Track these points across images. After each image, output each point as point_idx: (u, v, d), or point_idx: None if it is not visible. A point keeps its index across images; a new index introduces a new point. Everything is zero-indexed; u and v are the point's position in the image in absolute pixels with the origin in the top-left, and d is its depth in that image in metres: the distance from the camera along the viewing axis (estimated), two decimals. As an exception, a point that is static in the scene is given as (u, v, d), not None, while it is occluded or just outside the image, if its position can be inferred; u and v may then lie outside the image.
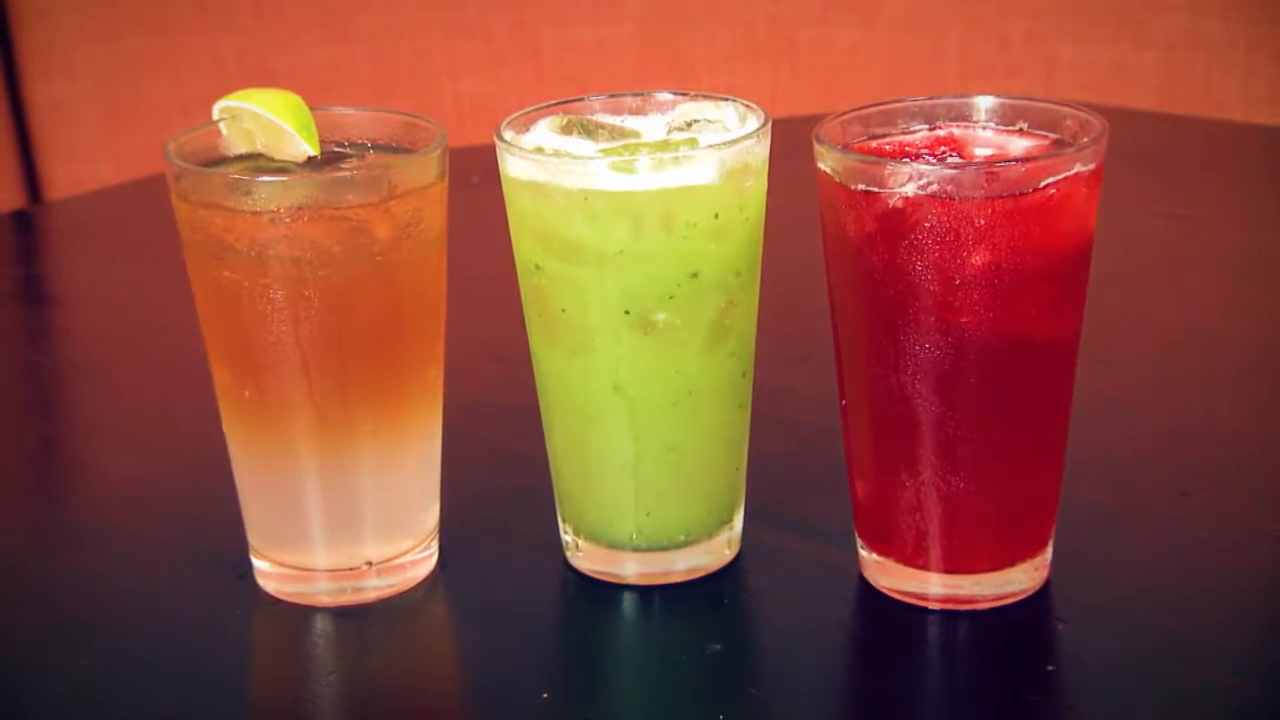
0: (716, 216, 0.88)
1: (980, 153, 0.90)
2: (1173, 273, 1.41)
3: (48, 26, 2.26)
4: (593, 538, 0.95)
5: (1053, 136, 0.89)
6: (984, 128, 0.91)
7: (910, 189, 0.83)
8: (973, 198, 0.82)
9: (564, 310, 0.90)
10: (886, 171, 0.83)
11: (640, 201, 0.86)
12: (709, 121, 0.92)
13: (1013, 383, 0.86)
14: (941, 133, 0.91)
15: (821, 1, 2.40)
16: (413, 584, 0.95)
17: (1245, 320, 1.29)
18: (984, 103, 0.92)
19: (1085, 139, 0.87)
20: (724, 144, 0.88)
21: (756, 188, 0.90)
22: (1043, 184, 0.83)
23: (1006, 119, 0.91)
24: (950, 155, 0.89)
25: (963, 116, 0.92)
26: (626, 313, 0.89)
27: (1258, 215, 1.58)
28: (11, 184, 2.28)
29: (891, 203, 0.83)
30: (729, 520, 0.96)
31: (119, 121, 2.30)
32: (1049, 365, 0.88)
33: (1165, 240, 1.48)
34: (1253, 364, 1.21)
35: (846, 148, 0.89)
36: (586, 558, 0.96)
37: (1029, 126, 0.91)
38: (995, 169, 0.82)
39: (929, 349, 0.85)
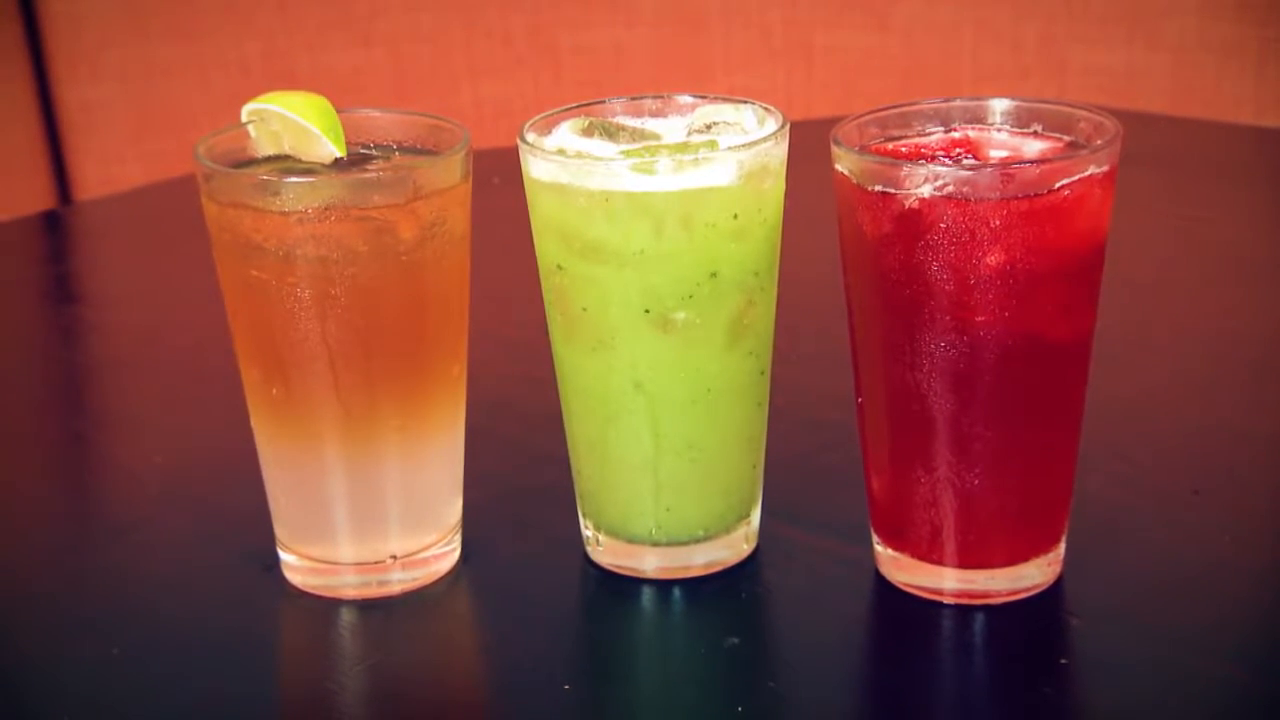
0: (735, 217, 0.89)
1: (995, 155, 0.90)
2: (1183, 274, 1.42)
3: (77, 31, 2.28)
4: (613, 532, 0.96)
5: (1067, 139, 0.90)
6: (999, 130, 0.92)
7: (926, 190, 0.84)
8: (988, 199, 0.83)
9: (585, 309, 0.91)
10: (903, 173, 0.84)
11: (661, 202, 0.88)
12: (728, 124, 0.93)
13: (1027, 381, 0.87)
14: (957, 135, 0.92)
15: (836, 5, 2.42)
16: (436, 577, 0.96)
17: (1255, 321, 1.30)
18: (999, 105, 0.93)
19: (1099, 141, 0.87)
20: (743, 146, 0.89)
21: (775, 189, 0.92)
22: (1057, 185, 0.84)
23: (1021, 121, 0.92)
24: (966, 157, 0.90)
25: (978, 119, 0.93)
26: (647, 312, 0.90)
27: (1268, 217, 1.58)
28: (43, 185, 2.30)
29: (908, 204, 0.85)
30: (747, 516, 0.97)
31: (147, 123, 2.32)
32: (1063, 364, 0.89)
33: (1176, 242, 1.48)
34: (1264, 364, 1.22)
35: (863, 149, 0.90)
36: (606, 552, 0.97)
37: (1043, 129, 0.91)
38: (1010, 171, 0.83)
39: (944, 348, 0.86)
